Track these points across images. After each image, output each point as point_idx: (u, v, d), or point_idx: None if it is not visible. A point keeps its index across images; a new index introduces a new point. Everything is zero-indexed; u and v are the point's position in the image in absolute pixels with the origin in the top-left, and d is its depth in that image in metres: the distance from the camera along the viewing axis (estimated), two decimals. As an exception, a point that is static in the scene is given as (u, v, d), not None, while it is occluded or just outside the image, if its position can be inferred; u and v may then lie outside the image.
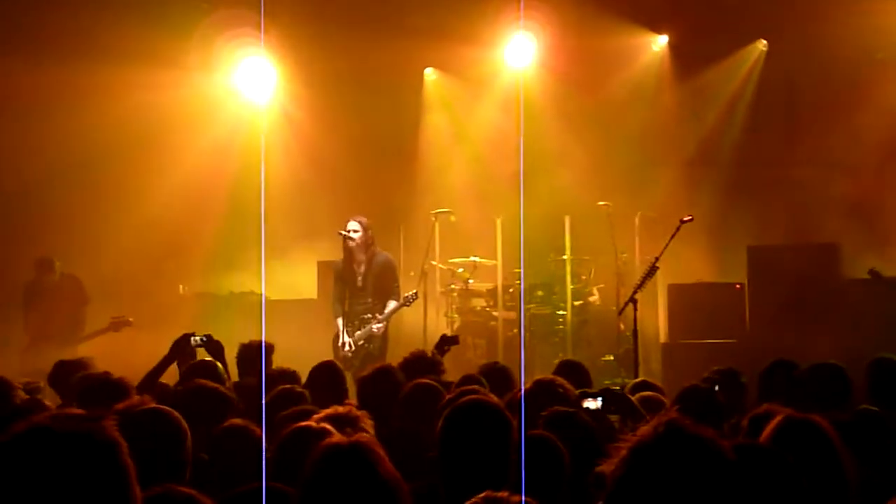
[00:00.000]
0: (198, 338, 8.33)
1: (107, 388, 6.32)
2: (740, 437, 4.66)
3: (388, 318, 12.65)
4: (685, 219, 10.85)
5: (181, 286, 15.99)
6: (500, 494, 3.37)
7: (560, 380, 6.26)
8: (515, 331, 14.76)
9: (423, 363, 8.00)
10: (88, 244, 14.64)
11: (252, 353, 8.19)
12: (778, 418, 4.12)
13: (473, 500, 3.37)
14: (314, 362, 8.01)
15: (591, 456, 4.38)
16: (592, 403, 6.13)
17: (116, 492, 2.48)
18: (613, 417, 6.20)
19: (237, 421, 5.15)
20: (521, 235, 12.95)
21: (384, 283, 12.68)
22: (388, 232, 14.35)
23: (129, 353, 10.82)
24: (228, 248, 16.15)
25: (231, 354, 8.50)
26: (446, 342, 9.49)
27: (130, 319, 13.64)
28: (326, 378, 7.60)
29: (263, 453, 4.70)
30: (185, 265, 15.97)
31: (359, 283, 12.70)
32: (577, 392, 6.24)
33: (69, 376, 7.61)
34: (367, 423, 4.93)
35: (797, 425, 4.08)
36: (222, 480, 4.76)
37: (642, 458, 2.59)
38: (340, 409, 5.16)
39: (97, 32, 14.52)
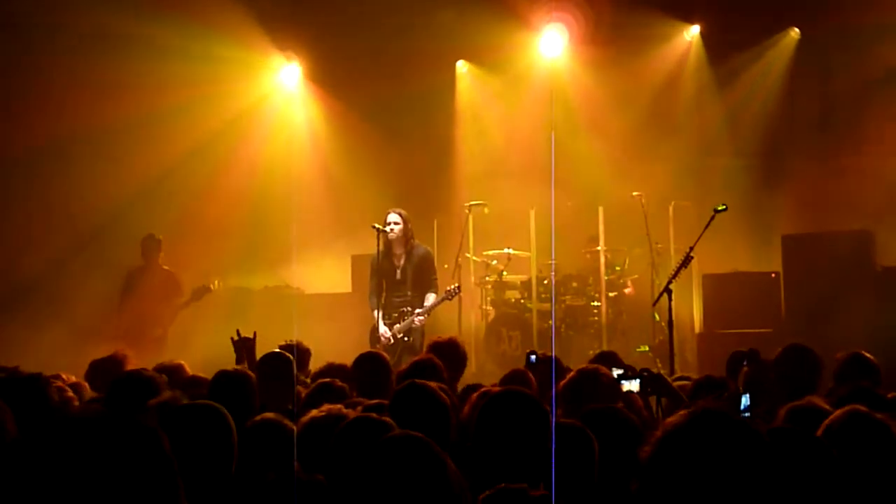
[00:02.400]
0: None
1: (139, 385, 6.33)
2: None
3: (429, 312, 12.57)
4: (719, 208, 10.77)
5: (215, 280, 16.01)
6: (515, 486, 3.37)
7: (604, 369, 6.29)
8: (550, 322, 14.75)
9: (451, 350, 7.98)
10: (122, 238, 14.68)
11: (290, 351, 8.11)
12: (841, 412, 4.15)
13: (489, 492, 3.37)
14: (349, 356, 7.98)
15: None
16: (631, 385, 6.17)
17: (157, 484, 2.50)
18: (651, 399, 6.25)
19: (269, 415, 5.16)
20: (552, 226, 12.93)
21: (423, 276, 12.61)
22: (421, 225, 14.31)
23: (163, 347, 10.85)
24: (263, 242, 16.23)
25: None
26: None
27: (211, 286, 13.67)
28: (370, 369, 7.56)
29: (295, 447, 4.72)
30: (220, 259, 16.01)
31: (397, 275, 12.62)
32: (616, 374, 6.29)
33: (105, 374, 7.64)
34: None
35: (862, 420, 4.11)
36: (255, 474, 4.79)
37: (676, 440, 2.64)
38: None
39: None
